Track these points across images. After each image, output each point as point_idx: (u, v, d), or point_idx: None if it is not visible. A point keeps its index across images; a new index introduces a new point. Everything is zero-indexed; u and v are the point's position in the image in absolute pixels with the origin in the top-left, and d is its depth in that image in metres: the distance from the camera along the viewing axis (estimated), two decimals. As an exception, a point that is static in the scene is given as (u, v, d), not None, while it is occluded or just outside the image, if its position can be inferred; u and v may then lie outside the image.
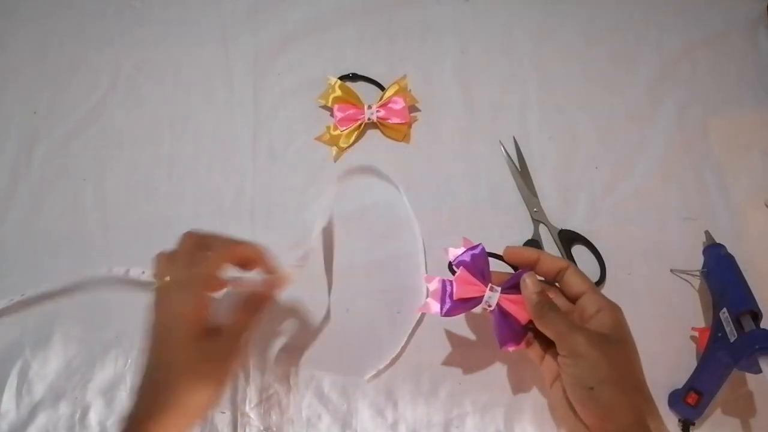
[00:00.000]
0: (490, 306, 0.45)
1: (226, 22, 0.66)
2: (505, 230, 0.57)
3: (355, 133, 0.60)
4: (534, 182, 0.59)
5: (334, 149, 0.60)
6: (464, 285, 0.45)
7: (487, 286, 0.45)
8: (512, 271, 0.48)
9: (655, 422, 0.41)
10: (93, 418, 0.50)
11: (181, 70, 0.64)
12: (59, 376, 0.51)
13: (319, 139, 0.61)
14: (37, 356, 0.52)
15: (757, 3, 0.68)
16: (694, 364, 0.51)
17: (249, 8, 0.67)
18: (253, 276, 0.47)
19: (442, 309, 0.45)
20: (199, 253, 0.43)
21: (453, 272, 0.46)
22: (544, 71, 0.64)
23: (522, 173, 0.59)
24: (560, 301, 0.46)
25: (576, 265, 0.55)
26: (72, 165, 0.60)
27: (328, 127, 0.61)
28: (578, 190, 0.59)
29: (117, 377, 0.51)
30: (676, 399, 0.50)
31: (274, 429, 0.50)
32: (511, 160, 0.60)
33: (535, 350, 0.46)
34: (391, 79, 0.62)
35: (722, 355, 0.48)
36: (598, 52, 0.66)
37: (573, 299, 0.46)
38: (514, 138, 0.61)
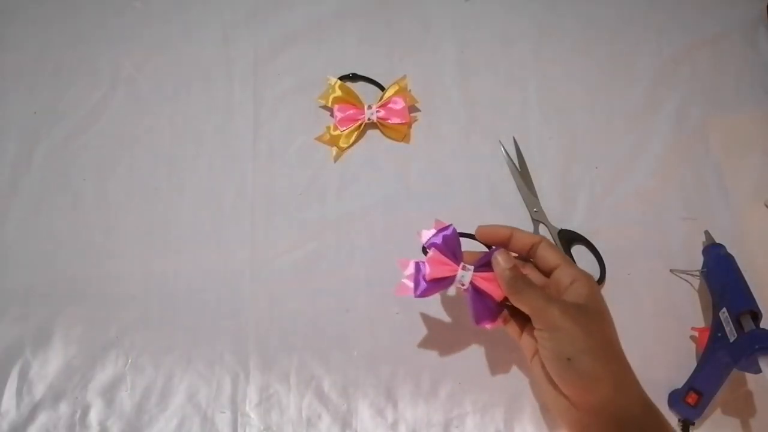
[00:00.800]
0: (463, 285, 0.45)
1: (227, 23, 0.66)
2: (505, 230, 0.57)
3: (355, 133, 0.60)
4: (534, 182, 0.59)
5: (334, 149, 0.60)
6: (436, 265, 0.45)
7: (459, 265, 0.45)
8: (487, 250, 0.47)
9: (633, 390, 0.41)
10: (93, 418, 0.50)
11: (181, 70, 0.64)
12: (59, 376, 0.51)
13: (319, 139, 0.61)
14: (37, 356, 0.52)
15: (757, 3, 0.68)
16: (694, 364, 0.51)
17: (249, 9, 0.67)
18: None
19: (416, 290, 0.45)
20: None
21: (426, 254, 0.46)
22: (544, 71, 0.64)
23: (522, 173, 0.59)
24: (535, 275, 0.46)
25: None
26: (72, 165, 0.60)
27: (328, 127, 0.61)
28: (578, 190, 0.59)
29: (117, 377, 0.51)
30: (676, 399, 0.50)
31: (274, 429, 0.50)
32: (511, 160, 0.60)
33: (512, 327, 0.46)
34: (391, 79, 0.62)
35: (722, 355, 0.48)
36: (598, 52, 0.65)
37: (548, 273, 0.45)
38: (514, 138, 0.61)
